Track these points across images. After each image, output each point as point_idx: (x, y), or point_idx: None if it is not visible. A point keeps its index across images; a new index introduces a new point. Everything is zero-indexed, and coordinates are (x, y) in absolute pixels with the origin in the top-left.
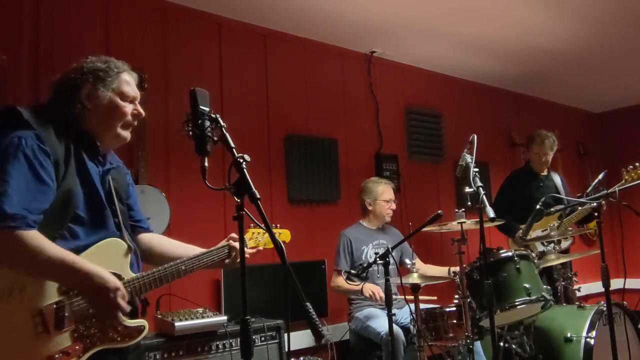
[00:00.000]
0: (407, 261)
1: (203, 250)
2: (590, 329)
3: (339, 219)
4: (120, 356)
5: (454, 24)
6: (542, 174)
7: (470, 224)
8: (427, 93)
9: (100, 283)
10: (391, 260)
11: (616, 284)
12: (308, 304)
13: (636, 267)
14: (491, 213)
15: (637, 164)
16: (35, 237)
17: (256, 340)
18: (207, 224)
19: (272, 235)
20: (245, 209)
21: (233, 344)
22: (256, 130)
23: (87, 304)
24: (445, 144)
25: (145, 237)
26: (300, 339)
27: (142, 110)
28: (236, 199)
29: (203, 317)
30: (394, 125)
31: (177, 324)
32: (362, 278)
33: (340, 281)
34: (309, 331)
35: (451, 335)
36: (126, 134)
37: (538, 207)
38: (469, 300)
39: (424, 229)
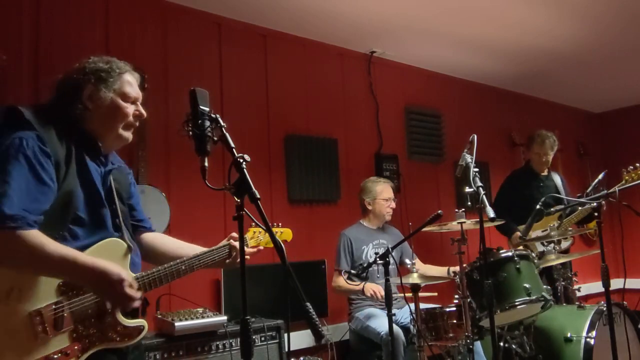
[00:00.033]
0: (407, 261)
1: (204, 249)
2: (590, 329)
3: (339, 219)
4: (120, 356)
5: (454, 24)
6: (543, 174)
7: (470, 224)
8: (427, 93)
9: (103, 275)
10: (391, 260)
11: (616, 284)
12: (308, 304)
13: (636, 267)
14: (491, 213)
15: (638, 165)
16: (36, 236)
17: (256, 340)
18: (207, 224)
19: (272, 235)
20: (245, 209)
21: (233, 344)
22: (256, 130)
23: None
24: (445, 144)
25: (147, 237)
26: (300, 339)
27: (143, 111)
28: (236, 199)
29: (203, 317)
30: (394, 125)
31: (177, 324)
32: (362, 278)
33: (341, 281)
34: (309, 331)
35: (451, 335)
36: (128, 135)
37: (538, 207)
38: (469, 300)
39: (424, 229)
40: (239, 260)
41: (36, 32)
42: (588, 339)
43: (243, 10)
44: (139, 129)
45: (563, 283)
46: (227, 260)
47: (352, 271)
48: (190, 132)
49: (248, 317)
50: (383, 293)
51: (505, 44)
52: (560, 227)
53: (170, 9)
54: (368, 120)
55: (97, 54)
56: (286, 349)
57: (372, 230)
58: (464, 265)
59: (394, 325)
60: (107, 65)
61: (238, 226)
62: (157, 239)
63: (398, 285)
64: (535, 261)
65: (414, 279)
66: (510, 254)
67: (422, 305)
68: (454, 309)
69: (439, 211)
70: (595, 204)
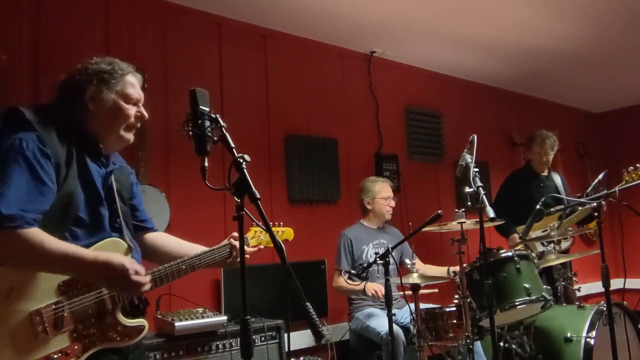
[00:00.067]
0: (407, 261)
1: (204, 249)
2: (590, 329)
3: (339, 219)
4: (120, 356)
5: (454, 24)
6: (543, 174)
7: (470, 224)
8: (427, 93)
9: (107, 267)
10: (391, 260)
11: (616, 284)
12: (308, 304)
13: (636, 267)
14: (491, 213)
15: (638, 165)
16: (36, 233)
17: (256, 340)
18: (207, 224)
19: (272, 235)
20: (245, 209)
21: (233, 344)
22: (256, 130)
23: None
24: (445, 144)
25: (149, 237)
26: (300, 339)
27: (145, 113)
28: (236, 199)
29: (203, 317)
30: (394, 125)
31: (177, 324)
32: (362, 278)
33: (342, 281)
34: (309, 331)
35: (451, 335)
36: (129, 136)
37: (538, 207)
38: (469, 300)
39: (424, 229)
40: (239, 259)
41: (36, 32)
42: (588, 339)
43: (243, 10)
44: (139, 129)
45: (563, 283)
46: (228, 260)
47: (352, 271)
48: (190, 132)
49: (248, 317)
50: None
51: (505, 44)
52: (560, 227)
53: (170, 9)
54: (368, 120)
55: (97, 54)
56: (286, 349)
57: (373, 230)
58: (464, 265)
59: (394, 325)
60: (109, 66)
61: (238, 226)
62: (159, 238)
63: (398, 285)
64: (535, 261)
65: (414, 279)
66: (510, 254)
67: (422, 305)
68: (454, 309)
69: (439, 211)
70: (595, 204)
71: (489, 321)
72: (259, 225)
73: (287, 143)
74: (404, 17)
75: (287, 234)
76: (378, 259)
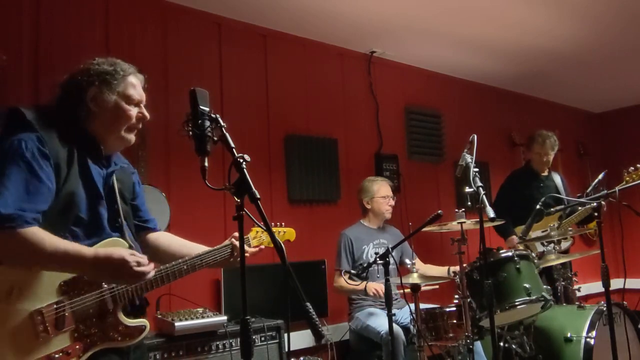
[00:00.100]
0: (407, 261)
1: (206, 249)
2: (590, 329)
3: (339, 219)
4: (121, 356)
5: (454, 24)
6: (543, 174)
7: (470, 224)
8: (427, 93)
9: (107, 262)
10: (391, 260)
11: (616, 284)
12: (308, 304)
13: (636, 267)
14: (491, 213)
15: (638, 166)
16: (35, 232)
17: (256, 340)
18: (207, 224)
19: (271, 235)
20: (245, 209)
21: (233, 344)
22: (256, 130)
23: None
24: (445, 144)
25: (152, 236)
26: (300, 339)
27: (147, 114)
28: (236, 199)
29: (203, 317)
30: (394, 125)
31: (177, 324)
32: (362, 278)
33: (343, 281)
34: (309, 331)
35: (451, 335)
36: (130, 137)
37: (538, 207)
38: (469, 300)
39: (424, 229)
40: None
41: (36, 32)
42: (588, 339)
43: (243, 10)
44: (139, 129)
45: (563, 283)
46: (230, 260)
47: (352, 271)
48: (190, 132)
49: (248, 317)
50: None
51: (505, 44)
52: (560, 227)
53: (170, 9)
54: (368, 120)
55: (97, 54)
56: (286, 349)
57: (373, 230)
58: (464, 265)
59: (394, 325)
60: (111, 67)
61: (238, 226)
62: (161, 238)
63: (398, 285)
64: (535, 261)
65: (414, 279)
66: (510, 254)
67: (422, 305)
68: (454, 309)
69: (439, 211)
70: (595, 204)
71: (489, 321)
72: (259, 226)
73: (287, 143)
74: (404, 17)
75: (289, 234)
76: (378, 259)
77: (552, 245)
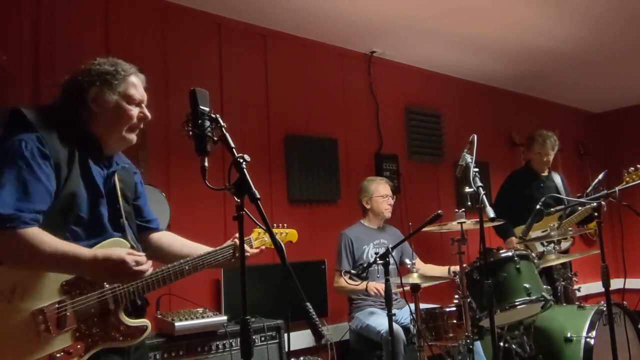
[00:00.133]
0: (407, 261)
1: (208, 249)
2: (590, 329)
3: (339, 219)
4: (122, 356)
5: (454, 24)
6: (543, 174)
7: (470, 224)
8: (427, 93)
9: (106, 262)
10: (391, 260)
11: (616, 284)
12: (308, 304)
13: (636, 267)
14: (491, 213)
15: (639, 166)
16: (35, 233)
17: (256, 340)
18: (207, 224)
19: (271, 235)
20: (245, 209)
21: (233, 344)
22: (256, 130)
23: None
24: (445, 144)
25: (155, 236)
26: (300, 339)
27: (148, 113)
28: (236, 199)
29: (203, 317)
30: (394, 125)
31: (177, 324)
32: (362, 278)
33: (343, 281)
34: (309, 331)
35: (451, 335)
36: (132, 137)
37: (538, 207)
38: (469, 300)
39: (424, 229)
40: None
41: (36, 32)
42: (588, 339)
43: (243, 10)
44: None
45: (563, 283)
46: (232, 261)
47: (353, 271)
48: (190, 132)
49: (248, 317)
50: None
51: (505, 44)
52: (560, 227)
53: (170, 9)
54: (368, 120)
55: (97, 54)
56: (286, 349)
57: (373, 230)
58: (464, 265)
59: (394, 324)
60: (112, 67)
61: (238, 226)
62: (164, 238)
63: (398, 284)
64: (535, 261)
65: (414, 279)
66: (510, 254)
67: (422, 305)
68: (454, 309)
69: (439, 211)
70: (595, 204)
71: (489, 321)
72: (259, 226)
73: (287, 143)
74: (404, 17)
75: (291, 235)
76: (378, 259)
77: (552, 245)
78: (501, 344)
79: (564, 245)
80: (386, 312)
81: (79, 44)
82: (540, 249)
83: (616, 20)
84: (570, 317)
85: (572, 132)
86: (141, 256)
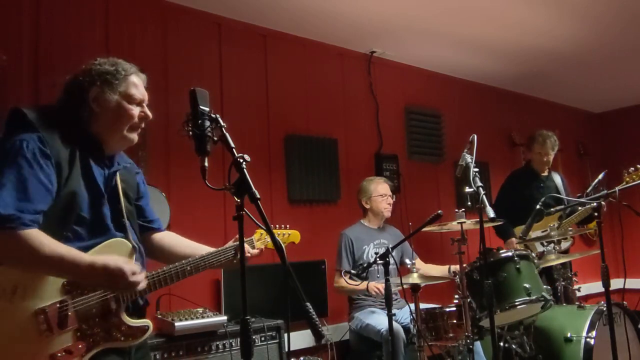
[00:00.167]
0: (408, 261)
1: (210, 250)
2: (590, 329)
3: (339, 219)
4: (123, 356)
5: (454, 24)
6: (543, 174)
7: (470, 224)
8: (427, 93)
9: (104, 271)
10: (391, 260)
11: (616, 284)
12: (308, 304)
13: (636, 267)
14: (491, 213)
15: (639, 166)
16: (34, 235)
17: (256, 340)
18: (207, 224)
19: (271, 235)
20: (245, 209)
21: (233, 344)
22: (256, 130)
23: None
24: (445, 144)
25: (157, 237)
26: (300, 339)
27: (149, 113)
28: (236, 199)
29: (203, 317)
30: (394, 125)
31: (177, 324)
32: (362, 278)
33: (343, 282)
34: (309, 331)
35: (451, 335)
36: (133, 136)
37: (538, 207)
38: (469, 300)
39: (424, 229)
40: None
41: (36, 32)
42: (588, 339)
43: (243, 10)
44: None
45: (563, 283)
46: (234, 261)
47: (353, 271)
48: (190, 132)
49: (248, 317)
50: None
51: (505, 44)
52: (560, 227)
53: (170, 9)
54: (368, 120)
55: (97, 54)
56: (286, 349)
57: (373, 230)
58: (464, 265)
59: (394, 323)
60: (112, 67)
61: (238, 226)
62: (166, 238)
63: (399, 288)
64: (535, 261)
65: (414, 279)
66: (510, 254)
67: (422, 305)
68: (454, 309)
69: (439, 211)
70: (595, 204)
71: (489, 321)
72: (259, 226)
73: (287, 143)
74: (404, 17)
75: (293, 236)
76: (378, 259)
77: (552, 245)
78: (501, 344)
79: (564, 245)
80: (386, 312)
81: (79, 44)
82: (540, 249)
83: (616, 20)
84: (570, 317)
85: (572, 132)
86: (137, 266)
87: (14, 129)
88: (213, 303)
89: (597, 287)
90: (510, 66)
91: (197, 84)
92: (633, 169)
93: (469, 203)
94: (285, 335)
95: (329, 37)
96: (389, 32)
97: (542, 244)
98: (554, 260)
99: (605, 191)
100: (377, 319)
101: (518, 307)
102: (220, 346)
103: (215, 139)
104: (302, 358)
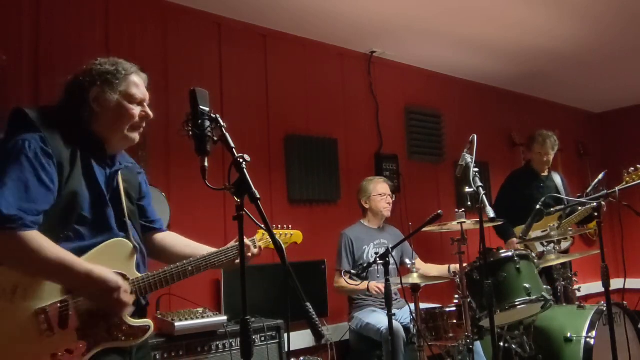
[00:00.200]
0: (408, 261)
1: (212, 250)
2: (590, 329)
3: (339, 219)
4: (123, 356)
5: (454, 24)
6: (543, 174)
7: (470, 224)
8: (427, 93)
9: (100, 282)
10: (391, 260)
11: (616, 284)
12: (308, 304)
13: (636, 267)
14: (491, 213)
15: (639, 166)
16: (35, 237)
17: (256, 340)
18: (207, 224)
19: (271, 235)
20: (245, 209)
21: (233, 344)
22: (256, 130)
23: (91, 302)
24: (445, 144)
25: (158, 237)
26: (300, 339)
27: (150, 112)
28: (236, 199)
29: (203, 317)
30: (394, 125)
31: (177, 324)
32: (362, 278)
33: (343, 282)
34: (309, 331)
35: (451, 335)
36: (134, 136)
37: (538, 207)
38: (469, 300)
39: (424, 229)
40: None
41: (36, 32)
42: (588, 339)
43: (243, 10)
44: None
45: (563, 283)
46: (235, 262)
47: (353, 271)
48: (190, 132)
49: (248, 317)
50: None
51: (505, 44)
52: (560, 227)
53: (170, 9)
54: (368, 120)
55: (97, 54)
56: (286, 349)
57: (373, 230)
58: (464, 265)
59: (394, 322)
60: (113, 67)
61: (238, 226)
62: (168, 238)
63: (400, 287)
64: (535, 261)
65: (414, 279)
66: (510, 254)
67: (422, 305)
68: (454, 309)
69: (439, 211)
70: (595, 204)
71: (489, 321)
72: (259, 226)
73: (287, 143)
74: (404, 17)
75: (295, 236)
76: (378, 259)
77: (552, 245)
78: (501, 344)
79: (564, 245)
80: (386, 312)
81: (79, 44)
82: (540, 249)
83: (616, 20)
84: (570, 317)
85: (572, 132)
86: (128, 286)
87: (16, 129)
88: (213, 303)
89: (597, 287)
90: (510, 66)
91: (197, 84)
92: (633, 169)
93: (469, 203)
94: (285, 335)
95: (329, 37)
96: (389, 32)
97: (542, 244)
98: (554, 260)
99: (605, 191)
100: (377, 319)
101: (518, 307)
102: (220, 346)
103: (215, 139)
104: (302, 358)
